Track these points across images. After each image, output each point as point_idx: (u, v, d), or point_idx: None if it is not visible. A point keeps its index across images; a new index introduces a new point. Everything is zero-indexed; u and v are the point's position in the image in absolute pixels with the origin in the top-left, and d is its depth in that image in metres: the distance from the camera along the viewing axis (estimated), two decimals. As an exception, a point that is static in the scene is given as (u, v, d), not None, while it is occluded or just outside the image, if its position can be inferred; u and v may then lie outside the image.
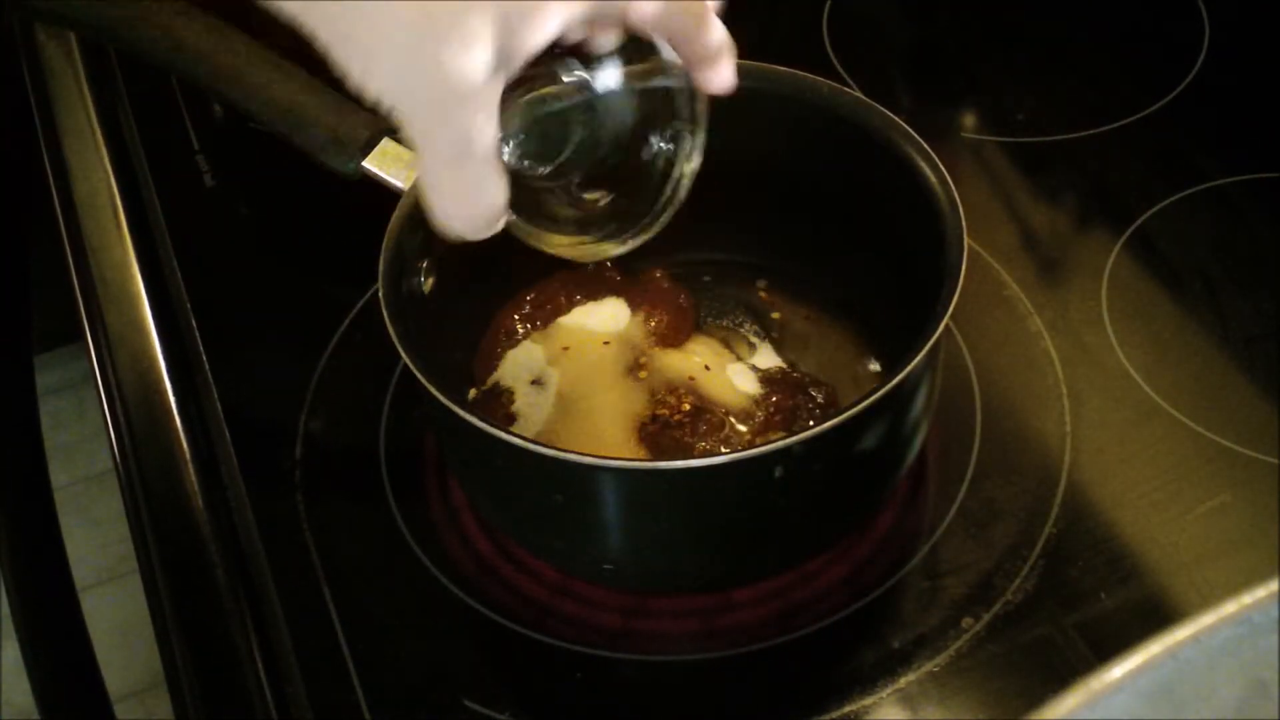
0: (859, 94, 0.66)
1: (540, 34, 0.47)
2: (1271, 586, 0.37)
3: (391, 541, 0.67)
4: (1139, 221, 0.78)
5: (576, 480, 0.58)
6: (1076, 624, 0.62)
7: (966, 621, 0.62)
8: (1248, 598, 0.37)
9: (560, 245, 0.59)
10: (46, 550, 0.99)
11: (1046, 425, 0.69)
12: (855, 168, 0.67)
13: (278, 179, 0.85)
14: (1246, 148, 0.82)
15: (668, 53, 0.55)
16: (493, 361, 0.70)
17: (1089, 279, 0.76)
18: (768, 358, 0.71)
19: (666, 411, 0.66)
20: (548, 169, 0.59)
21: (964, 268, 0.58)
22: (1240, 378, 0.71)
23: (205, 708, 0.62)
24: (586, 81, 0.57)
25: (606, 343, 0.70)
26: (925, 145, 0.63)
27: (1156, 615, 0.62)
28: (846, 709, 0.60)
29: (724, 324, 0.73)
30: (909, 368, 0.56)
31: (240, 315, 0.80)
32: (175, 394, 0.74)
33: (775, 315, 0.73)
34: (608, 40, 0.54)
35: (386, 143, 0.65)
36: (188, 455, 0.71)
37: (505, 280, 0.72)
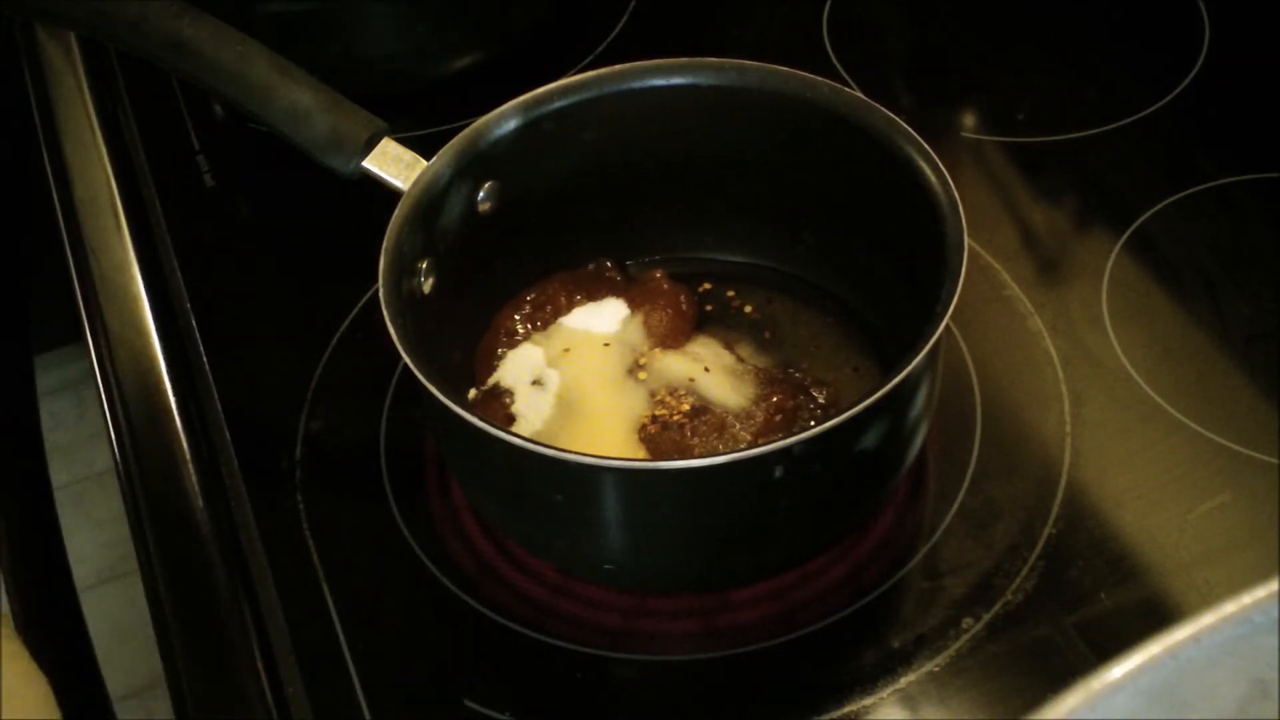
0: (859, 94, 0.66)
1: None
2: (1271, 586, 0.37)
3: (391, 541, 0.67)
4: (1139, 221, 0.78)
5: (576, 480, 0.58)
6: (1076, 624, 0.62)
7: (966, 621, 0.62)
8: (1248, 598, 0.37)
9: None
10: (47, 550, 0.99)
11: (1046, 425, 0.69)
12: (855, 168, 0.67)
13: (278, 179, 0.85)
14: (1246, 148, 0.82)
15: None
16: (493, 362, 0.70)
17: (1089, 279, 0.76)
18: (767, 358, 0.71)
19: (666, 412, 0.67)
20: None
21: (964, 268, 0.58)
22: (1240, 378, 0.71)
23: (205, 708, 0.62)
24: None
25: (606, 344, 0.70)
26: (925, 145, 0.63)
27: (1156, 615, 0.62)
28: (846, 709, 0.60)
29: (724, 324, 0.73)
30: (909, 368, 0.56)
31: (240, 315, 0.80)
32: (175, 394, 0.74)
33: (775, 315, 0.73)
34: None
35: (386, 143, 0.65)
36: (188, 455, 0.71)
37: (505, 280, 0.72)
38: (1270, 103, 0.84)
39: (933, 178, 0.62)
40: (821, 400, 0.67)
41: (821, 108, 0.67)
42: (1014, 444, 0.69)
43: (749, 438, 0.65)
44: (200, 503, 0.69)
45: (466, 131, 0.66)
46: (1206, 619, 0.37)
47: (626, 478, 0.58)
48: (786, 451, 0.55)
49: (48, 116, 0.91)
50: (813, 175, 0.70)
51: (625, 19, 0.94)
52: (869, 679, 0.61)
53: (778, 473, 0.57)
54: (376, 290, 0.60)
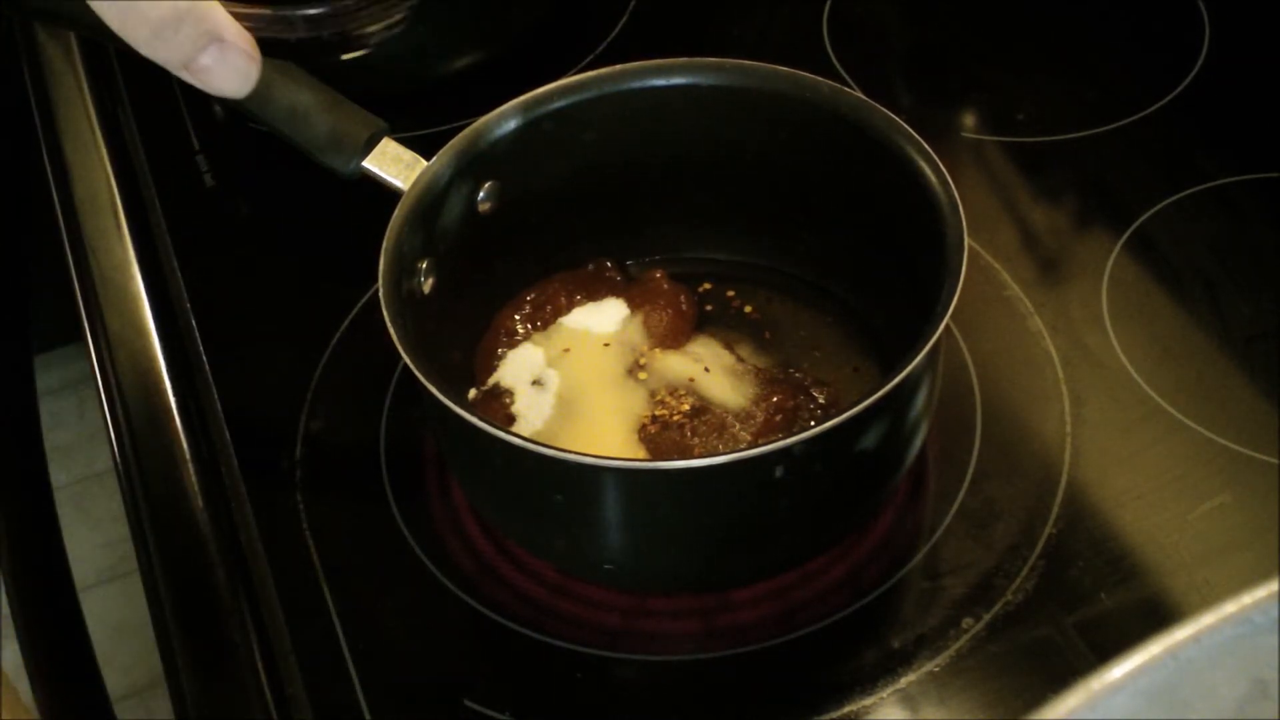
0: (859, 94, 0.66)
1: None
2: (1272, 586, 0.37)
3: (391, 541, 0.67)
4: (1139, 221, 0.78)
5: (576, 480, 0.58)
6: (1076, 624, 0.62)
7: (967, 622, 0.62)
8: (1248, 598, 0.37)
9: None
10: (46, 550, 0.99)
11: (1047, 425, 0.69)
12: (855, 168, 0.67)
13: (278, 179, 0.85)
14: (1246, 148, 0.82)
15: None
16: (493, 362, 0.70)
17: (1089, 279, 0.76)
18: (768, 358, 0.71)
19: (666, 412, 0.67)
20: None
21: (964, 268, 0.58)
22: (1240, 378, 0.71)
23: (205, 708, 0.62)
24: None
25: (606, 344, 0.70)
26: (925, 145, 0.63)
27: (1156, 615, 0.62)
28: (846, 709, 0.60)
29: (724, 325, 0.73)
30: (909, 368, 0.56)
31: (240, 315, 0.80)
32: (175, 394, 0.74)
33: (775, 315, 0.73)
34: None
35: (386, 143, 0.65)
36: (188, 455, 0.71)
37: (505, 280, 0.72)
38: (1270, 103, 0.84)
39: (933, 178, 0.62)
40: (822, 400, 0.67)
41: (821, 108, 0.67)
42: (1014, 444, 0.69)
43: (749, 438, 0.65)
44: (200, 503, 0.69)
45: (466, 131, 0.66)
46: (1206, 619, 0.37)
47: (626, 478, 0.58)
48: (786, 451, 0.55)
49: (48, 116, 0.90)
50: (813, 176, 0.69)
51: (625, 19, 0.94)
52: (869, 679, 0.61)
53: (778, 473, 0.57)
54: (376, 290, 0.60)
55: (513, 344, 0.71)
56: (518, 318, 0.71)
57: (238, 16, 0.56)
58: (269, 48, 0.58)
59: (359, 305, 0.77)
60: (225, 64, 0.56)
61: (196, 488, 0.70)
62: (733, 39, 0.93)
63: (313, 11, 0.64)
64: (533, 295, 0.72)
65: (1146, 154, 0.83)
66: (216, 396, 0.74)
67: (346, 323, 0.77)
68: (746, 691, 0.62)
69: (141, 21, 0.55)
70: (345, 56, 0.68)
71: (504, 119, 0.67)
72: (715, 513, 0.59)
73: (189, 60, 0.56)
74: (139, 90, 0.92)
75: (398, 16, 0.65)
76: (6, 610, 0.96)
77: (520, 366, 0.70)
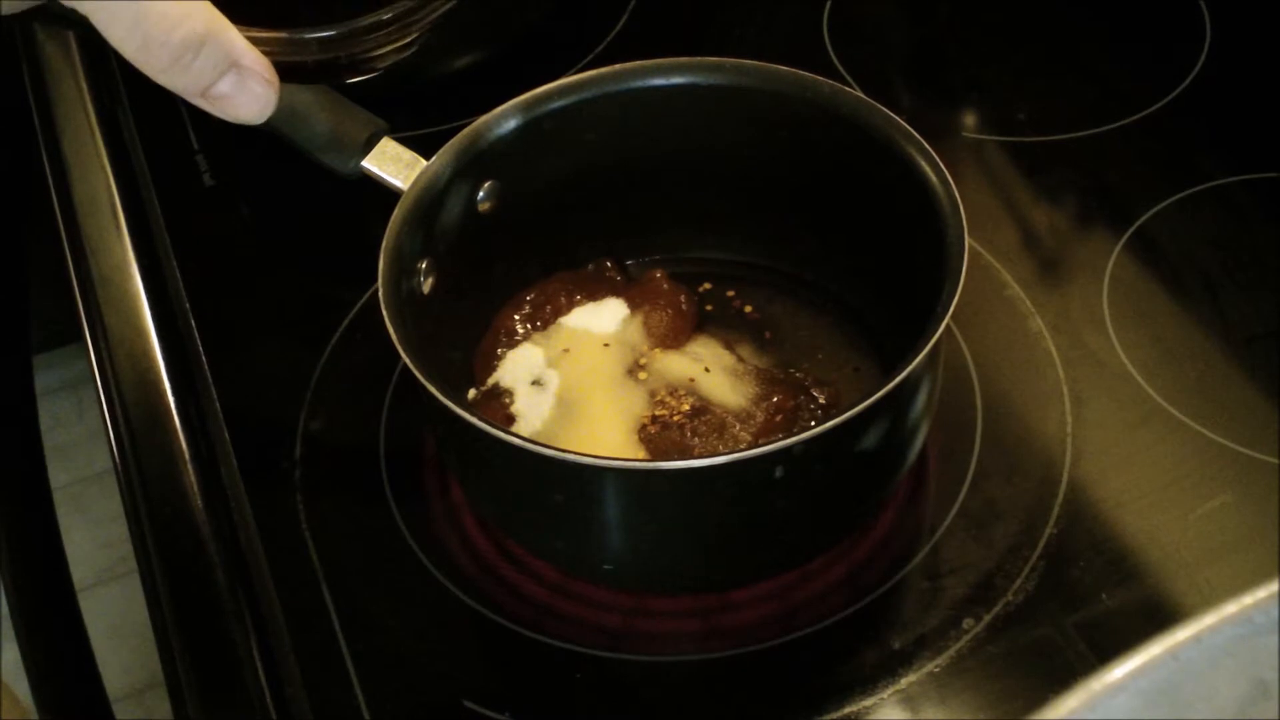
0: (859, 94, 0.66)
1: None
2: (1272, 586, 0.37)
3: (391, 541, 0.67)
4: (1139, 221, 0.78)
5: (576, 480, 0.58)
6: (1077, 624, 0.62)
7: (967, 622, 0.62)
8: (1248, 598, 0.37)
9: None
10: (46, 550, 0.99)
11: (1047, 425, 0.69)
12: (855, 168, 0.67)
13: (278, 179, 0.85)
14: (1246, 148, 0.82)
15: None
16: (492, 362, 0.70)
17: (1090, 279, 0.76)
18: (768, 358, 0.71)
19: (666, 412, 0.66)
20: None
21: (964, 268, 0.58)
22: (1241, 378, 0.71)
23: (205, 708, 0.62)
24: None
25: (606, 344, 0.70)
26: (926, 145, 0.63)
27: (1157, 615, 0.62)
28: (846, 709, 0.60)
29: (724, 325, 0.73)
30: (909, 368, 0.56)
31: (240, 315, 0.80)
32: (175, 394, 0.74)
33: (775, 315, 0.73)
34: None
35: (386, 143, 0.65)
36: (188, 455, 0.71)
37: (505, 280, 0.72)
38: (1270, 103, 0.84)
39: (933, 178, 0.62)
40: (822, 400, 0.67)
41: (821, 108, 0.67)
42: (1015, 444, 0.69)
43: (749, 438, 0.65)
44: (200, 503, 0.69)
45: (466, 131, 0.66)
46: (1207, 619, 0.37)
47: (626, 478, 0.58)
48: (787, 451, 0.55)
49: (47, 116, 0.90)
50: (813, 175, 0.69)
51: (625, 19, 0.94)
52: (869, 679, 0.61)
53: (778, 473, 0.57)
54: (376, 290, 0.60)
55: (513, 344, 0.71)
56: (518, 318, 0.71)
57: (253, 41, 0.56)
58: (285, 72, 0.58)
59: (359, 305, 0.77)
60: (244, 90, 0.56)
61: (196, 488, 0.70)
62: (733, 39, 0.93)
63: (325, 34, 0.64)
64: (533, 295, 0.72)
65: (1146, 154, 0.83)
66: (216, 396, 0.74)
67: (346, 323, 0.77)
68: (746, 691, 0.62)
69: (159, 49, 0.55)
70: (355, 79, 0.68)
71: (504, 119, 0.67)
72: (715, 513, 0.59)
73: (206, 88, 0.56)
74: (139, 90, 0.92)
75: (413, 36, 0.65)
76: (6, 610, 0.96)
77: (520, 366, 0.70)
